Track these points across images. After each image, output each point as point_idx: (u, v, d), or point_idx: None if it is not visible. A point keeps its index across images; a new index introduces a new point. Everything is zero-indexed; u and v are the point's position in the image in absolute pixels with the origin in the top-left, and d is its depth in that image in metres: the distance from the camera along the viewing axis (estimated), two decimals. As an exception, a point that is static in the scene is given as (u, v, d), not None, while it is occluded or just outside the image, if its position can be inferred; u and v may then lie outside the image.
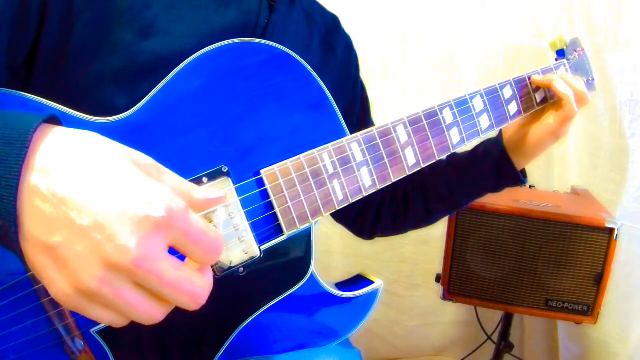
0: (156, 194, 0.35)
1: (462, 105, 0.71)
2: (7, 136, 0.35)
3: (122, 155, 0.37)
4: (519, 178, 0.80)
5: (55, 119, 0.38)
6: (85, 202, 0.33)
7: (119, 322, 0.36)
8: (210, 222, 0.55)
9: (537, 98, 0.79)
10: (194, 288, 0.36)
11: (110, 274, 0.34)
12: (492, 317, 1.48)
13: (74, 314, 0.52)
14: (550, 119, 0.76)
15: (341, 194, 0.62)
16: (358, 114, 0.85)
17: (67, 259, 0.33)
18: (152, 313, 0.36)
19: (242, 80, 0.58)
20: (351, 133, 0.64)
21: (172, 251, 0.36)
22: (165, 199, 0.35)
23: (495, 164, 0.80)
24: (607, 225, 1.07)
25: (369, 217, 0.89)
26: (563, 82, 0.75)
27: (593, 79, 0.87)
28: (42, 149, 0.35)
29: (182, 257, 0.38)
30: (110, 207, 0.33)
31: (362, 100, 0.87)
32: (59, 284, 0.34)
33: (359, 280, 0.74)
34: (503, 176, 0.81)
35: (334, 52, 0.79)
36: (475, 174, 0.82)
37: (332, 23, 0.80)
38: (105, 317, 0.36)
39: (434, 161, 0.69)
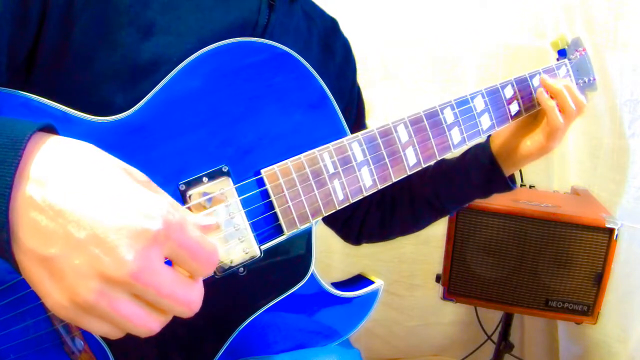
0: (153, 206, 0.35)
1: (463, 105, 0.71)
2: (0, 144, 0.34)
3: (117, 166, 0.37)
4: (508, 185, 0.80)
5: (51, 127, 0.38)
6: (82, 215, 0.33)
7: (115, 334, 0.36)
8: (216, 220, 0.55)
9: (537, 98, 0.78)
10: (190, 296, 0.37)
11: (107, 287, 0.33)
12: (492, 317, 1.48)
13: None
14: (540, 134, 0.76)
15: (342, 194, 0.62)
16: (354, 118, 0.85)
17: (63, 272, 0.33)
18: (148, 325, 0.36)
19: (242, 80, 0.58)
20: None
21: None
22: (162, 211, 0.35)
23: (485, 171, 0.80)
24: (607, 225, 1.07)
25: (357, 221, 0.89)
26: (547, 93, 0.75)
27: (594, 79, 0.87)
28: (37, 158, 0.35)
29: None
30: (107, 220, 0.33)
31: (359, 104, 0.87)
32: (55, 296, 0.34)
33: (359, 280, 0.74)
34: (492, 183, 0.80)
35: (333, 54, 0.79)
36: (463, 180, 0.81)
37: (331, 26, 0.80)
38: (102, 329, 0.36)
39: (434, 161, 0.69)
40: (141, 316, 0.35)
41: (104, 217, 0.33)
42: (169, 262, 0.37)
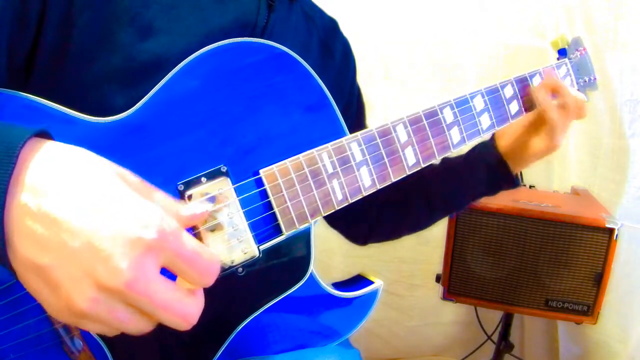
0: (148, 215, 0.35)
1: (462, 105, 0.71)
2: None
3: (112, 172, 0.37)
4: (514, 182, 0.82)
5: (46, 133, 0.38)
6: (77, 224, 0.33)
7: (111, 333, 0.37)
8: (215, 219, 0.55)
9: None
10: (185, 309, 0.37)
11: (102, 295, 0.34)
12: (492, 317, 1.48)
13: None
14: (546, 132, 0.76)
15: (340, 194, 0.62)
16: (353, 119, 0.85)
17: (58, 281, 0.33)
18: (142, 328, 0.37)
19: (241, 80, 0.58)
20: None
21: (165, 271, 0.36)
22: (157, 219, 0.35)
23: (492, 170, 0.81)
24: (607, 225, 1.07)
25: (368, 221, 0.89)
26: (545, 92, 0.75)
27: (595, 78, 0.87)
28: (31, 165, 0.35)
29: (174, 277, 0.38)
30: (102, 229, 0.33)
31: (358, 104, 0.87)
32: (52, 303, 0.34)
33: (359, 281, 0.74)
34: (499, 181, 0.82)
35: (332, 55, 0.79)
36: (470, 178, 0.83)
37: (330, 26, 0.80)
38: (99, 330, 0.36)
39: (434, 160, 0.69)
40: (135, 322, 0.36)
41: (98, 226, 0.33)
42: (173, 277, 0.38)
